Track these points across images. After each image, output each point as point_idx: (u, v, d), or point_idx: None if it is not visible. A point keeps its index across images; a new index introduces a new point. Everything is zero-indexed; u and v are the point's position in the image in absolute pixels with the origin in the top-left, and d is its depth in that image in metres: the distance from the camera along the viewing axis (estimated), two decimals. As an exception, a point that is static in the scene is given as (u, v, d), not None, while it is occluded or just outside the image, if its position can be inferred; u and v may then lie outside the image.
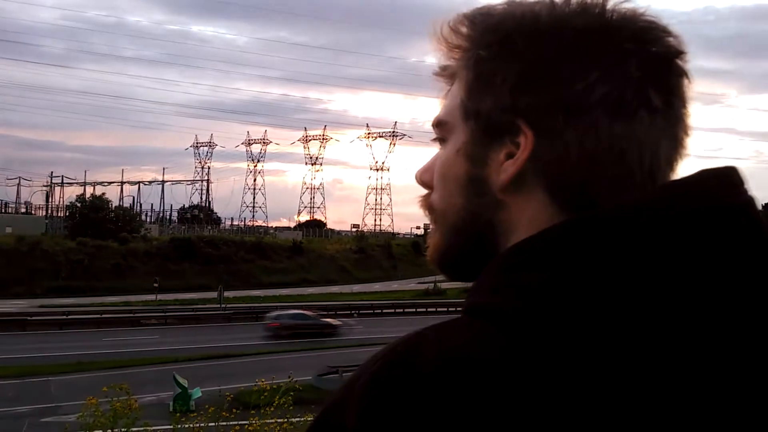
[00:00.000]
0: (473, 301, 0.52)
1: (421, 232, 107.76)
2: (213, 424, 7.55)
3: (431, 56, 0.61)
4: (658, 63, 0.55)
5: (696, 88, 0.57)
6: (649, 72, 0.54)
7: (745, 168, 0.56)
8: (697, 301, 0.48)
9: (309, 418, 7.14)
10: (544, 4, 0.56)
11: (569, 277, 0.49)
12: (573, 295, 0.48)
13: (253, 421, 7.18)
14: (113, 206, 65.55)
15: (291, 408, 7.17)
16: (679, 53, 0.56)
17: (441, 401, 0.46)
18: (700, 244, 0.50)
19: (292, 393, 7.26)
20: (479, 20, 0.57)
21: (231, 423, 7.62)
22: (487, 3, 0.58)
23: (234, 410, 7.68)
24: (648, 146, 0.54)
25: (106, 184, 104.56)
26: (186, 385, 15.29)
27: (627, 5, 0.56)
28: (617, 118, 0.53)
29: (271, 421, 7.27)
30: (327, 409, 0.51)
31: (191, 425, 7.62)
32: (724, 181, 0.54)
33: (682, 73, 0.57)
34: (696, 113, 0.58)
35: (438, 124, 0.61)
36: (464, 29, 0.58)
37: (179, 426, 7.88)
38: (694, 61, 0.57)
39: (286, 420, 7.15)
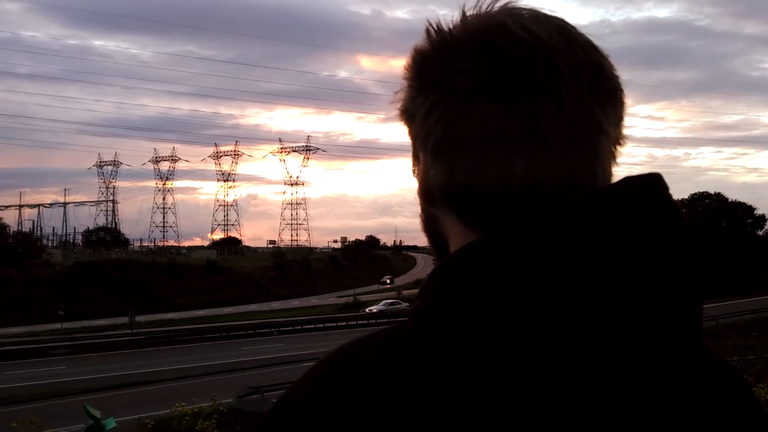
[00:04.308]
0: (413, 307, 0.56)
1: (338, 245, 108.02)
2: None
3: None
4: (499, 67, 0.55)
5: None
6: (487, 80, 0.54)
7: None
8: (605, 298, 0.50)
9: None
10: (425, 40, 0.60)
11: (480, 288, 0.52)
12: (486, 303, 0.51)
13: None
14: (11, 231, 62.46)
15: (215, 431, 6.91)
16: (521, 53, 0.55)
17: (378, 400, 0.49)
18: (626, 249, 0.51)
19: (215, 416, 7.00)
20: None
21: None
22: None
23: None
24: (502, 154, 0.54)
25: (3, 208, 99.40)
26: (99, 416, 14.53)
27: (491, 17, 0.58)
28: (460, 134, 0.55)
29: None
30: (270, 414, 0.54)
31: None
32: (649, 189, 0.55)
33: (525, 71, 0.54)
34: None
35: None
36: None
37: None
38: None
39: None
